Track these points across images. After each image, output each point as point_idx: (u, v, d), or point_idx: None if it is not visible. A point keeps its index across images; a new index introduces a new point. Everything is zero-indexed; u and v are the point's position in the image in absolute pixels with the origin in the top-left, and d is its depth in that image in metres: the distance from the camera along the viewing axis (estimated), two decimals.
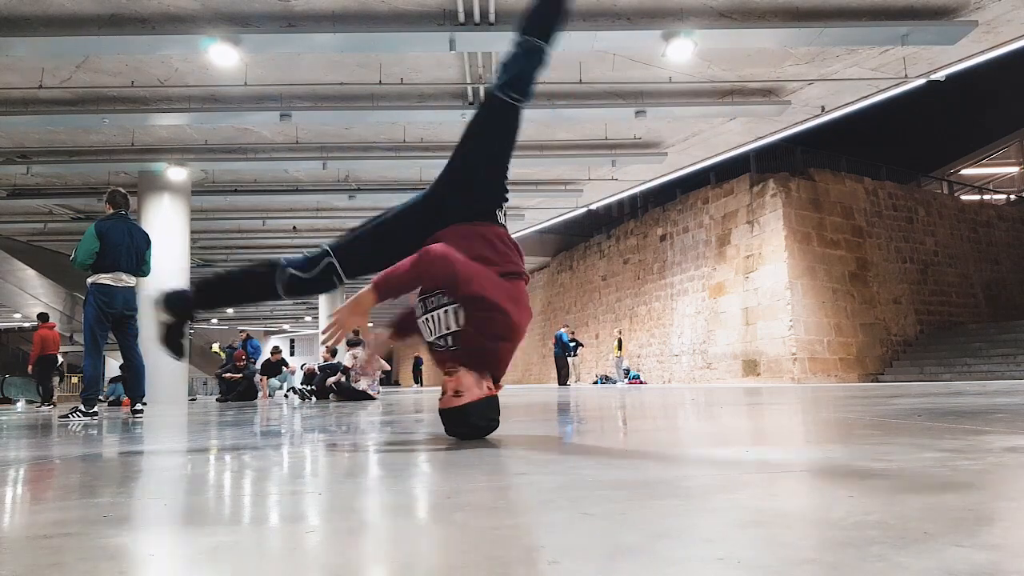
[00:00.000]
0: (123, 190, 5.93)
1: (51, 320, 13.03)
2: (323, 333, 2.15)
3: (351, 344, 10.19)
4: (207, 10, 7.32)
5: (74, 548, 0.94)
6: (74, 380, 25.91)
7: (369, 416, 4.61)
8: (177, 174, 11.17)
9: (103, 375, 5.46)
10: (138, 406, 5.44)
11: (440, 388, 2.19)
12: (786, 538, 0.89)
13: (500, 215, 2.35)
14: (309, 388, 10.19)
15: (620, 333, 18.56)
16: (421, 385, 25.06)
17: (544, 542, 0.89)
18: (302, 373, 12.00)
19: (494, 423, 2.22)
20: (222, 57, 7.77)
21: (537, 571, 0.76)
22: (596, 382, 19.23)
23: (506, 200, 2.44)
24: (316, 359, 11.12)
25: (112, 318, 5.42)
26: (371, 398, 9.24)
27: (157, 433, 3.59)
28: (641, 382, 17.69)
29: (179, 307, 2.50)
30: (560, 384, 16.96)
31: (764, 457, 1.75)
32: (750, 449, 1.99)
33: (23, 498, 1.51)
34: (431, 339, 2.23)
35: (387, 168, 12.41)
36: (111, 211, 5.68)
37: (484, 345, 2.10)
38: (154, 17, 7.40)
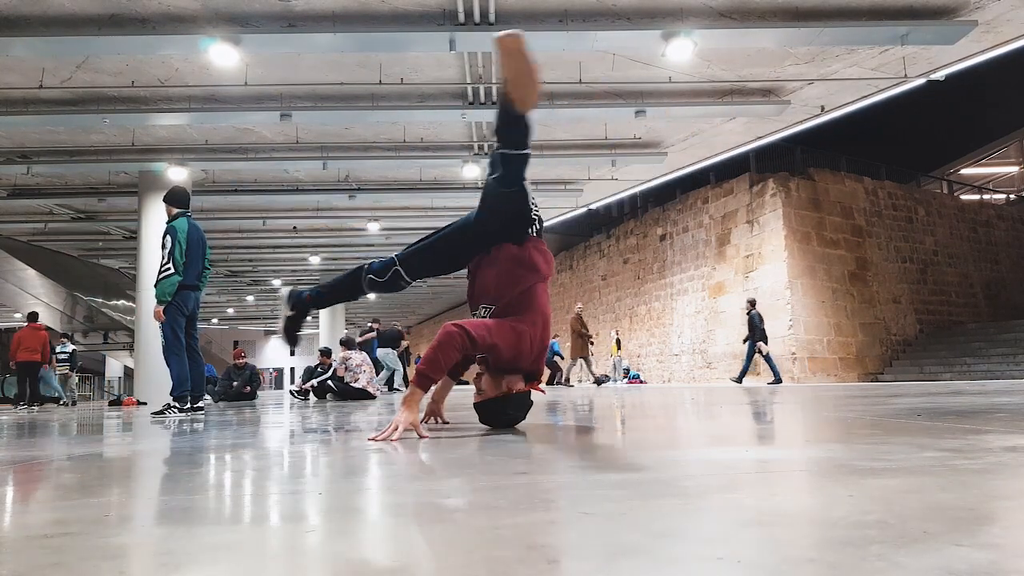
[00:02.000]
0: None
1: (39, 321, 12.88)
2: (380, 439, 2.39)
3: (344, 344, 10.18)
4: (207, 10, 7.31)
5: (75, 548, 0.94)
6: (75, 380, 25.86)
7: (368, 416, 4.61)
8: (177, 174, 11.17)
9: (188, 374, 5.53)
10: (200, 404, 5.77)
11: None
12: (786, 538, 0.89)
13: (531, 230, 2.77)
14: (303, 389, 10.18)
15: (618, 333, 18.56)
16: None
17: (544, 542, 0.89)
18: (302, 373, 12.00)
19: (515, 417, 2.70)
20: (222, 57, 7.77)
21: (537, 571, 0.76)
22: (595, 382, 19.21)
23: (533, 223, 2.80)
24: (315, 360, 11.10)
25: (185, 319, 5.58)
26: (371, 397, 9.23)
27: (207, 431, 3.60)
28: (641, 382, 17.69)
29: (299, 304, 3.08)
30: (549, 384, 17.02)
31: (764, 457, 1.75)
32: (750, 449, 1.99)
33: (23, 498, 1.51)
34: None
35: (387, 168, 12.41)
36: (176, 211, 5.69)
37: (502, 365, 2.61)
38: (154, 17, 7.40)
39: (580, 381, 17.21)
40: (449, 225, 2.89)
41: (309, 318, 3.23)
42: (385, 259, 2.88)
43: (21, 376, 12.12)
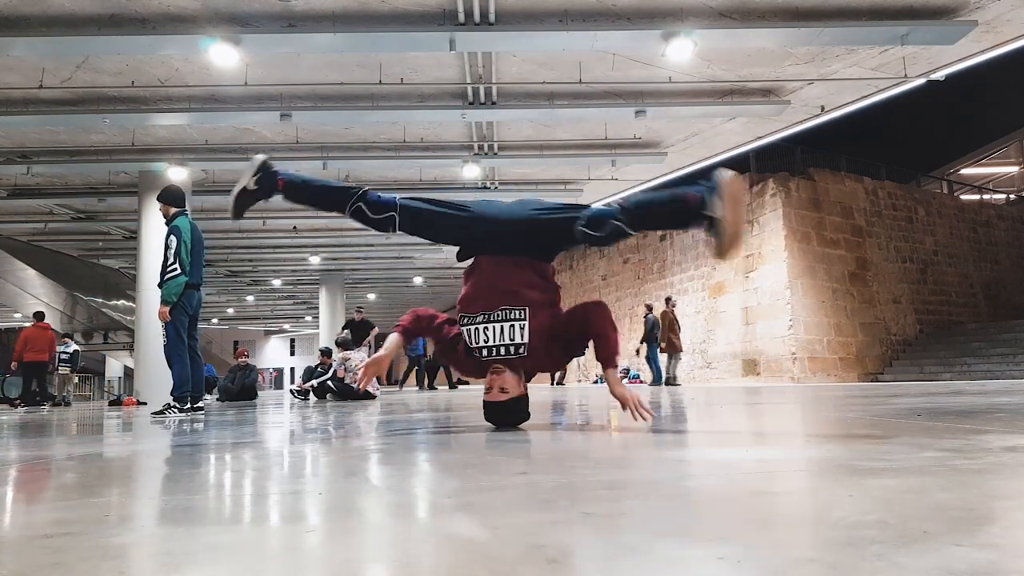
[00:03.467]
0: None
1: (45, 320, 12.92)
2: (359, 383, 2.66)
3: (340, 345, 10.16)
4: (207, 10, 7.31)
5: (75, 548, 0.94)
6: (75, 379, 25.89)
7: (368, 416, 4.61)
8: (177, 174, 11.17)
9: (189, 375, 5.53)
10: (200, 404, 5.79)
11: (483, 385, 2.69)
12: (786, 538, 0.89)
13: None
14: (303, 389, 10.18)
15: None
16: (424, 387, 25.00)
17: (544, 542, 0.89)
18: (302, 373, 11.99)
19: (526, 416, 2.72)
20: (222, 57, 7.77)
21: (537, 571, 0.76)
22: (596, 381, 19.23)
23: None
24: (315, 359, 11.10)
25: (188, 319, 5.60)
26: (371, 397, 9.23)
27: (205, 430, 3.60)
28: (641, 381, 17.69)
29: (267, 181, 2.77)
30: (552, 384, 16.95)
31: (764, 457, 1.75)
32: (750, 449, 1.99)
33: (24, 498, 1.51)
34: (479, 344, 2.63)
35: (387, 168, 12.41)
36: (175, 210, 5.68)
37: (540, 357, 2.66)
38: (154, 17, 7.40)
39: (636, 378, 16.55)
40: (455, 207, 2.78)
41: (263, 203, 2.81)
42: (386, 198, 2.71)
43: (28, 376, 12.14)
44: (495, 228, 2.71)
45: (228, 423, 4.24)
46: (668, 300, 13.62)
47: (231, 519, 1.18)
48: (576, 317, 2.68)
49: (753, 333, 14.49)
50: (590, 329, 2.62)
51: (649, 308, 13.85)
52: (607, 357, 2.58)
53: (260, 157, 2.79)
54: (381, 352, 2.70)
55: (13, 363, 12.22)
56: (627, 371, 18.08)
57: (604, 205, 2.67)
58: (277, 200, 2.89)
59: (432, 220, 2.74)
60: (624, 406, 2.52)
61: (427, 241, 2.94)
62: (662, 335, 13.20)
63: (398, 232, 2.76)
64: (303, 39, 7.69)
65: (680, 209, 2.50)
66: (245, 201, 2.78)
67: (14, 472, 1.96)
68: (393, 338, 2.70)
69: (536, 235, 2.72)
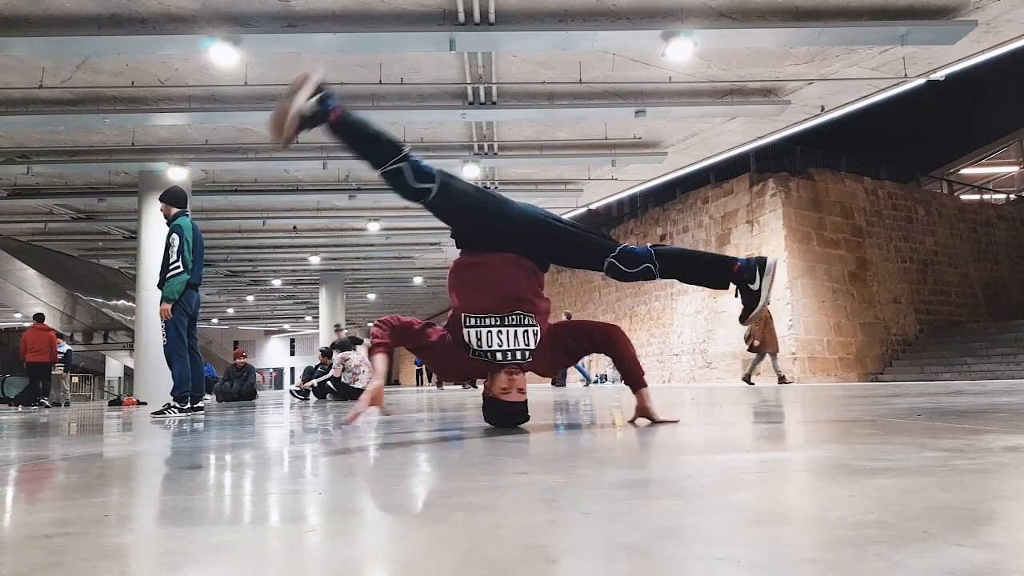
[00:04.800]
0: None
1: (44, 321, 13.02)
2: (355, 416, 2.46)
3: (339, 347, 10.16)
4: (207, 10, 7.32)
5: (75, 548, 0.94)
6: (74, 379, 25.92)
7: (368, 416, 4.61)
8: (177, 174, 11.17)
9: (189, 375, 5.54)
10: (200, 404, 5.80)
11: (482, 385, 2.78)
12: (786, 538, 0.89)
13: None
14: (302, 389, 10.18)
15: None
16: (424, 384, 25.04)
17: (544, 542, 0.89)
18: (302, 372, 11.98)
19: (526, 417, 2.77)
20: (222, 57, 7.77)
21: (537, 571, 0.76)
22: (595, 381, 19.24)
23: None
24: (315, 359, 11.10)
25: (189, 318, 5.62)
26: None
27: (200, 432, 3.60)
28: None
29: (323, 106, 2.57)
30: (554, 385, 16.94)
31: (764, 457, 1.75)
32: (750, 449, 1.99)
33: (24, 498, 1.51)
34: (491, 347, 2.62)
35: None
36: (176, 210, 5.70)
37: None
38: (154, 17, 7.40)
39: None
40: (493, 194, 2.88)
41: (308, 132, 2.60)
42: (429, 169, 2.67)
43: (33, 377, 12.27)
44: (519, 221, 2.78)
45: (228, 423, 4.24)
46: (569, 316, 13.37)
47: (231, 519, 1.18)
48: (587, 333, 2.86)
49: None
50: (615, 352, 2.81)
51: (568, 316, 13.99)
52: (638, 378, 2.80)
53: (318, 73, 2.57)
54: (376, 381, 2.52)
55: (24, 364, 12.43)
56: (605, 376, 18.14)
57: (635, 245, 2.82)
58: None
59: (467, 203, 2.77)
60: (654, 421, 2.77)
61: (443, 226, 2.92)
62: (757, 333, 11.78)
63: (427, 203, 2.69)
64: (303, 39, 7.70)
65: (722, 271, 2.79)
66: (298, 127, 2.56)
67: (14, 472, 1.96)
68: (380, 359, 2.57)
69: (547, 241, 2.78)
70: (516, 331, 2.64)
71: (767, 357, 11.61)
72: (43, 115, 9.54)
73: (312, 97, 2.55)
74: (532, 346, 2.64)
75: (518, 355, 2.63)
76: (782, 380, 11.32)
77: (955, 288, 16.80)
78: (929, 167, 23.53)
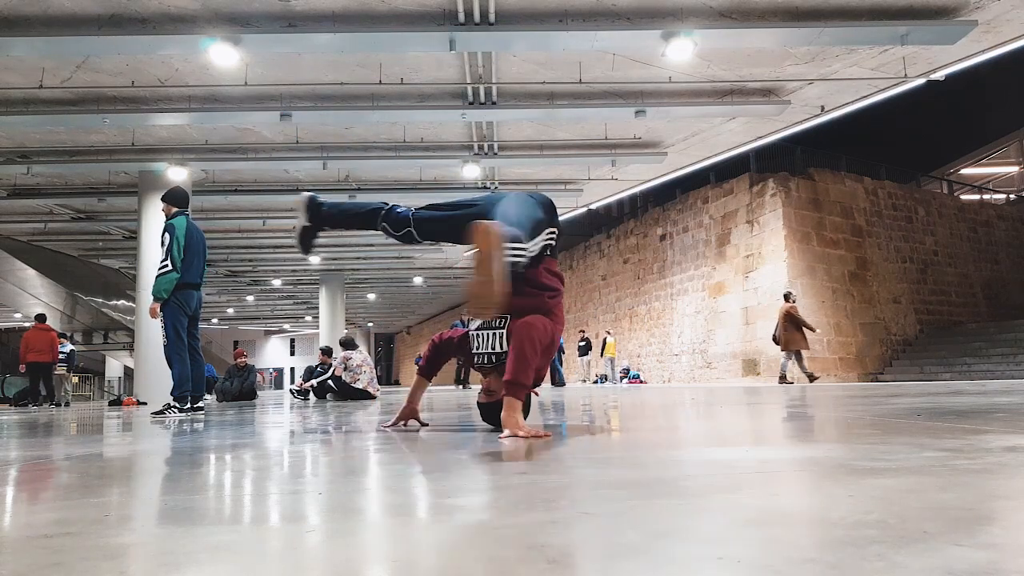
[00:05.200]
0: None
1: (46, 322, 13.09)
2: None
3: (343, 344, 10.16)
4: (207, 10, 7.31)
5: (75, 548, 0.94)
6: (75, 379, 25.96)
7: (368, 416, 4.61)
8: (177, 174, 11.17)
9: (189, 375, 5.54)
10: (200, 404, 5.82)
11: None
12: (786, 538, 0.89)
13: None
14: (303, 388, 10.18)
15: (609, 334, 18.60)
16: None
17: (544, 542, 0.89)
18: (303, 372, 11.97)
19: (524, 416, 2.60)
20: (222, 57, 7.77)
21: (537, 571, 0.76)
22: (595, 381, 19.25)
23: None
24: (315, 359, 11.10)
25: (187, 318, 5.61)
26: (371, 397, 9.23)
27: (199, 431, 3.60)
28: (641, 381, 17.70)
29: (315, 216, 3.01)
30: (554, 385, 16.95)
31: (764, 457, 1.75)
32: (750, 449, 1.99)
33: (24, 498, 1.51)
34: (475, 350, 2.72)
35: (387, 168, 12.41)
36: (175, 210, 5.70)
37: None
38: (154, 17, 7.40)
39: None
40: (466, 205, 2.85)
41: (322, 235, 3.09)
42: (402, 214, 2.85)
43: (34, 377, 12.31)
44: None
45: (228, 423, 4.24)
46: (789, 296, 11.79)
47: (231, 519, 1.18)
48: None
49: (753, 333, 14.49)
50: (512, 343, 2.44)
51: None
52: (511, 381, 2.35)
53: (304, 196, 3.01)
54: (410, 404, 2.97)
55: (21, 366, 12.47)
56: (627, 371, 18.10)
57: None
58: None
59: (444, 228, 2.86)
60: (516, 436, 2.25)
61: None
62: (792, 332, 11.39)
63: (424, 243, 2.94)
64: (303, 39, 7.69)
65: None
66: (308, 237, 3.03)
67: (14, 472, 1.96)
68: (417, 382, 2.97)
69: None
70: (489, 334, 2.69)
71: (792, 354, 11.38)
72: (43, 115, 9.53)
73: (307, 213, 3.00)
74: (499, 349, 2.61)
75: (485, 358, 2.69)
76: (782, 379, 11.28)
77: (955, 288, 16.80)
78: (929, 167, 23.54)
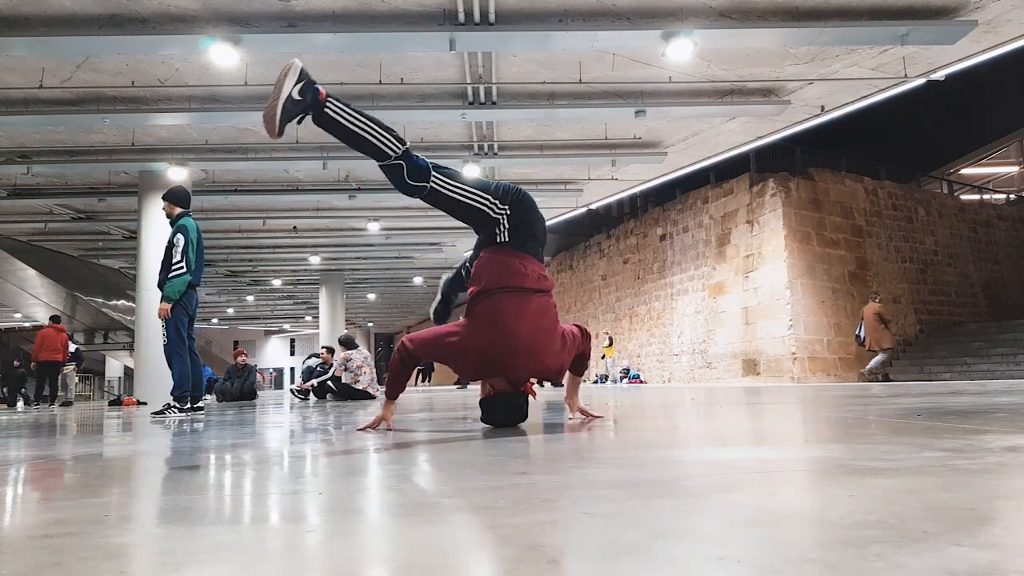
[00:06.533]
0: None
1: (61, 323, 13.29)
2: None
3: (344, 344, 10.15)
4: (207, 10, 7.31)
5: (75, 548, 0.94)
6: (76, 379, 25.97)
7: (368, 416, 4.61)
8: (177, 174, 11.17)
9: (189, 375, 5.54)
10: (200, 404, 5.83)
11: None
12: (786, 538, 0.89)
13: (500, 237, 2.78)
14: (303, 388, 10.18)
15: (608, 334, 18.63)
16: (426, 382, 24.99)
17: (544, 542, 0.89)
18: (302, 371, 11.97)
19: (524, 416, 2.76)
20: (222, 57, 7.77)
21: (537, 571, 0.76)
22: (596, 381, 19.25)
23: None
24: (316, 359, 11.09)
25: (188, 318, 5.63)
26: (371, 397, 9.23)
27: (198, 431, 3.60)
28: (641, 381, 17.70)
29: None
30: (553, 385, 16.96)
31: (764, 457, 1.75)
32: (750, 449, 1.99)
33: (24, 497, 1.51)
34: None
35: None
36: (179, 210, 5.71)
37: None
38: (154, 17, 7.40)
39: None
40: (486, 185, 2.78)
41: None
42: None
43: (42, 375, 12.42)
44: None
45: (228, 423, 4.24)
46: (876, 296, 12.13)
47: (231, 519, 1.18)
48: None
49: (753, 333, 14.49)
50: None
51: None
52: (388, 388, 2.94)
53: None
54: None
55: (32, 364, 12.63)
56: (627, 371, 18.10)
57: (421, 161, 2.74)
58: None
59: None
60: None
61: (443, 227, 3.05)
62: (882, 332, 11.60)
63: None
64: (303, 39, 7.69)
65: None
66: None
67: (14, 472, 1.96)
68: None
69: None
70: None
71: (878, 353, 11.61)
72: (43, 115, 9.53)
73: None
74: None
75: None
76: (871, 376, 11.41)
77: (955, 288, 16.80)
78: (929, 167, 23.55)
